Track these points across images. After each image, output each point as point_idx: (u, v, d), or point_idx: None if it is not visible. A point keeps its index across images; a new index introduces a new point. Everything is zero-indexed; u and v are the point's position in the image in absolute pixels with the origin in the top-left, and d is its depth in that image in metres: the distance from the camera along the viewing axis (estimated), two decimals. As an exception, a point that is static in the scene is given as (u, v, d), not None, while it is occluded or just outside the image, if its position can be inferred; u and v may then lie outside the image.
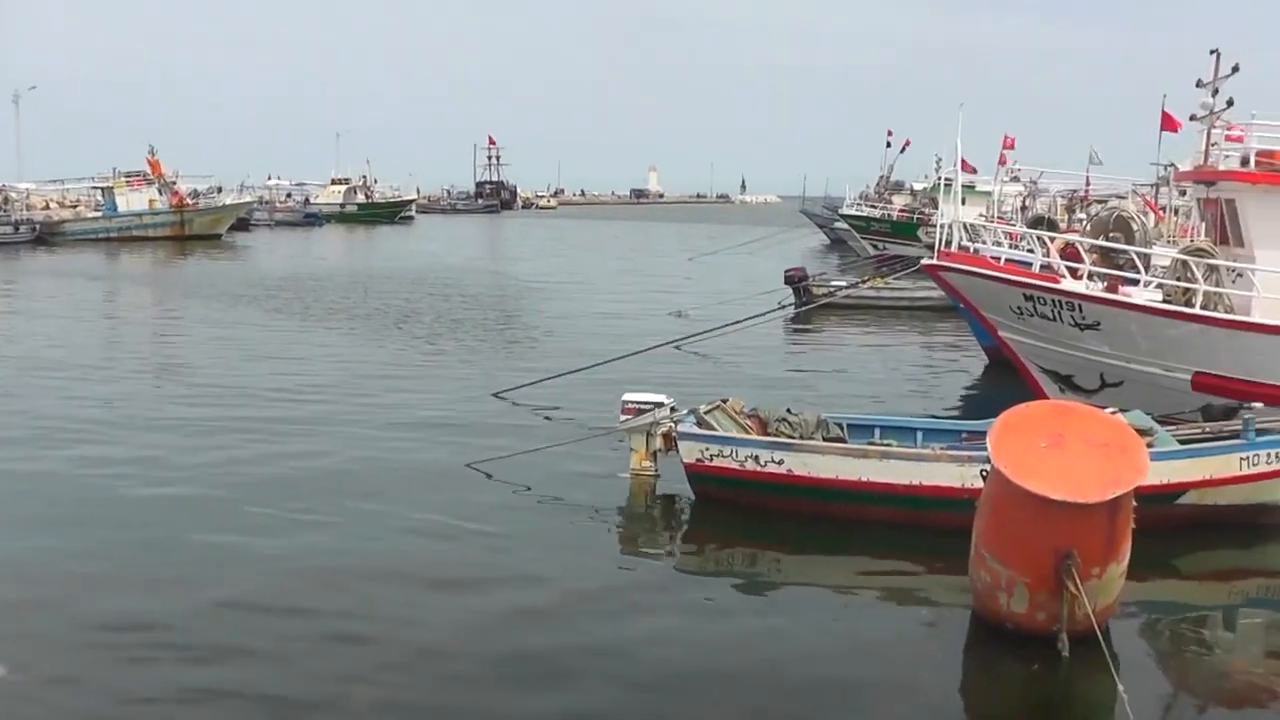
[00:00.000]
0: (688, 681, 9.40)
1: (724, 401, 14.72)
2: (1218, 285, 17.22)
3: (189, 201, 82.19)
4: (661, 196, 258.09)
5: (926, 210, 60.38)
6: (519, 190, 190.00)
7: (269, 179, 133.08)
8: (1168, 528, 12.44)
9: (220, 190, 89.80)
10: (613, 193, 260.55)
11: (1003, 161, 45.87)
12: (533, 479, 15.09)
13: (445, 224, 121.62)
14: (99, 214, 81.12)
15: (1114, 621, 10.29)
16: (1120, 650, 9.77)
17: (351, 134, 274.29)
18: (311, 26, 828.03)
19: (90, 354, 26.42)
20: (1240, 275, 17.48)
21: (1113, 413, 11.82)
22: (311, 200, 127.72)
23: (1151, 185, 38.72)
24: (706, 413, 14.29)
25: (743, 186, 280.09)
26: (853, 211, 71.38)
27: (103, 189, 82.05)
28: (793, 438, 14.01)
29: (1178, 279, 17.53)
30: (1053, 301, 18.07)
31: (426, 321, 33.17)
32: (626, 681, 9.44)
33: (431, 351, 27.12)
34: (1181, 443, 13.50)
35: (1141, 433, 11.82)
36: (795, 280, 35.96)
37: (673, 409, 14.52)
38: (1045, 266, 19.32)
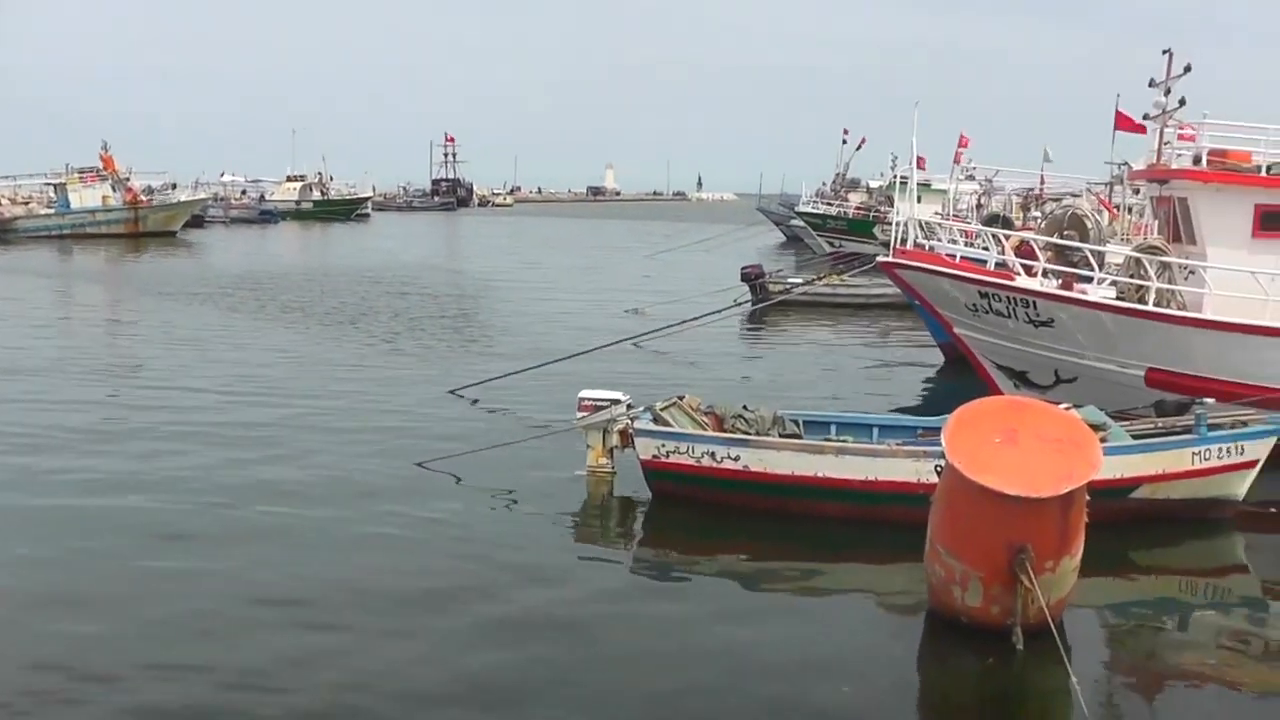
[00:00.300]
0: (647, 683, 9.35)
1: (680, 398, 14.71)
2: (1170, 283, 17.40)
3: (143, 198, 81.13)
4: (618, 194, 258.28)
5: (882, 208, 60.60)
6: (475, 188, 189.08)
7: (223, 175, 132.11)
8: (1121, 522, 12.63)
9: (175, 187, 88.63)
10: (570, 190, 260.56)
11: (958, 160, 46.19)
12: (488, 477, 15.00)
13: (401, 221, 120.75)
14: (52, 211, 79.98)
15: (1068, 615, 10.37)
16: (1074, 643, 9.88)
17: (307, 131, 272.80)
18: (268, 23, 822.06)
19: (40, 355, 25.76)
20: (1192, 273, 17.68)
21: (1067, 408, 11.90)
22: (267, 197, 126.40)
23: (1105, 184, 39.14)
24: (663, 409, 14.26)
25: (699, 184, 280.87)
26: (809, 209, 71.40)
27: (55, 185, 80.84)
28: (749, 434, 14.04)
29: (1131, 276, 17.70)
30: (1007, 299, 18.17)
31: (383, 320, 32.97)
32: (582, 696, 9.17)
33: (388, 350, 26.93)
34: (1135, 438, 13.63)
35: (1095, 428, 11.92)
36: (752, 278, 36.01)
37: (629, 406, 14.50)
38: (1000, 264, 19.45)
